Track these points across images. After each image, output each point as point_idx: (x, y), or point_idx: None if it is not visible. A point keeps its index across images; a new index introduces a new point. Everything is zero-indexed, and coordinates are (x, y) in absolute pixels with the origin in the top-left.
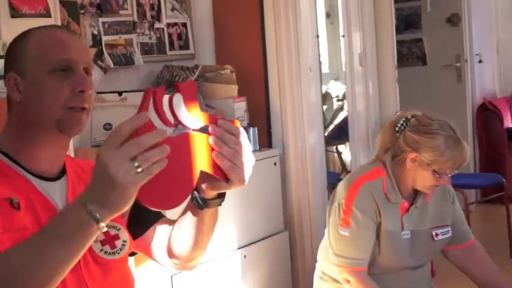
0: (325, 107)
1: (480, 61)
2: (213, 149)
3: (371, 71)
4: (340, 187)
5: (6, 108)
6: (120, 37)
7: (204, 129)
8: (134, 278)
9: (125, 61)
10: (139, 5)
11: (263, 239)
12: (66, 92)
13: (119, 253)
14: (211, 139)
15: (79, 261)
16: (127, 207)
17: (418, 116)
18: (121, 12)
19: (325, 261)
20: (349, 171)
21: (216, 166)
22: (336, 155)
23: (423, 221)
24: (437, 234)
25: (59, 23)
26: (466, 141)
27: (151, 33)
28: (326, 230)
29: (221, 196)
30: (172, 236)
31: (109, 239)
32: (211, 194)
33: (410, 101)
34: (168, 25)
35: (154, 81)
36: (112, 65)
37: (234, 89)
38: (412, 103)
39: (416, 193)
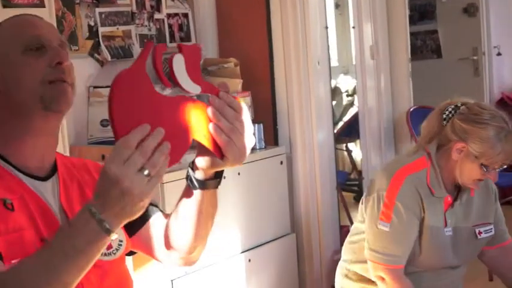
0: (334, 102)
1: (498, 54)
2: (210, 121)
3: (383, 64)
4: (380, 178)
5: None
6: (117, 28)
7: (203, 98)
8: (132, 279)
9: (123, 54)
10: None
11: (269, 242)
12: (42, 68)
13: (115, 253)
14: (209, 110)
15: None
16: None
17: (468, 104)
18: (119, 2)
19: (352, 258)
20: (360, 171)
21: (212, 140)
22: (345, 153)
23: (467, 218)
24: (480, 232)
25: (53, 14)
26: None
27: (151, 24)
28: (355, 225)
29: (217, 177)
30: (169, 226)
31: None
32: (207, 173)
33: (424, 96)
34: (169, 16)
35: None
36: (109, 58)
37: (238, 83)
38: (426, 98)
39: (459, 187)
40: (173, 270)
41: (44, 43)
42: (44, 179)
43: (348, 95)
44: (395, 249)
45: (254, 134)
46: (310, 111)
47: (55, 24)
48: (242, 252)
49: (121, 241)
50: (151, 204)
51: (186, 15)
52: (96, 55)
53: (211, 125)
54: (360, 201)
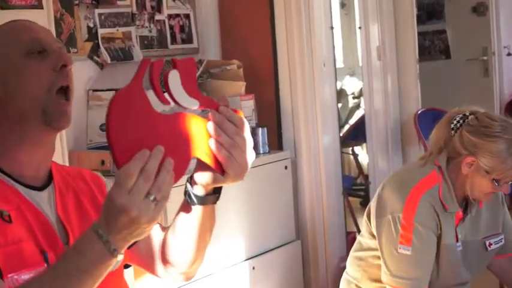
0: (340, 105)
1: (509, 54)
2: (210, 137)
3: (390, 65)
4: (392, 198)
5: None
6: (117, 30)
7: (202, 113)
8: None
9: (122, 56)
10: None
11: (273, 249)
12: (47, 72)
13: (114, 266)
14: (209, 125)
15: None
16: None
17: (477, 114)
18: (118, 3)
19: (363, 275)
20: (366, 175)
21: (212, 155)
22: (351, 157)
23: (476, 230)
24: (490, 244)
25: (52, 15)
26: None
27: (152, 25)
28: (360, 239)
29: (216, 192)
30: (166, 242)
31: None
32: (206, 189)
33: (432, 98)
34: (170, 16)
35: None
36: (109, 60)
37: (241, 85)
38: (434, 100)
39: (466, 200)
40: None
41: (45, 46)
42: (40, 188)
43: (354, 97)
44: (418, 273)
45: (258, 137)
46: (315, 114)
47: (53, 26)
48: (246, 259)
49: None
50: None
51: (187, 16)
52: (95, 57)
53: (211, 141)
54: (365, 215)
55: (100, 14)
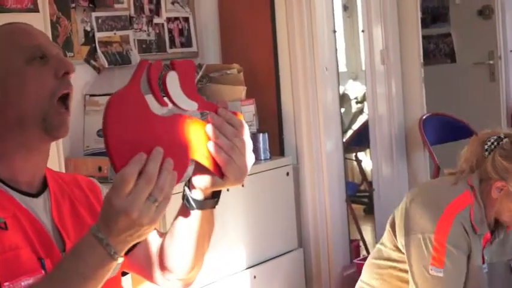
0: (342, 110)
1: None
2: (209, 139)
3: (394, 69)
4: (423, 217)
5: None
6: (115, 33)
7: (200, 115)
8: None
9: (120, 60)
10: None
11: (275, 257)
12: (49, 79)
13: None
14: (208, 127)
15: None
16: None
17: None
18: (116, 6)
19: (382, 286)
20: (370, 182)
21: (211, 158)
22: (355, 163)
23: (502, 252)
24: None
25: (48, 18)
26: None
27: (150, 29)
28: (381, 248)
29: (215, 196)
30: (164, 247)
31: None
32: (205, 193)
33: (437, 102)
34: (169, 20)
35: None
36: (106, 65)
37: (241, 90)
38: (439, 105)
39: (495, 221)
40: None
41: (45, 52)
42: (35, 195)
43: (357, 102)
44: None
45: (259, 143)
46: (317, 120)
47: (49, 30)
48: (247, 268)
49: None
50: None
51: (186, 20)
52: (92, 62)
53: (210, 143)
54: (388, 225)
55: (97, 18)
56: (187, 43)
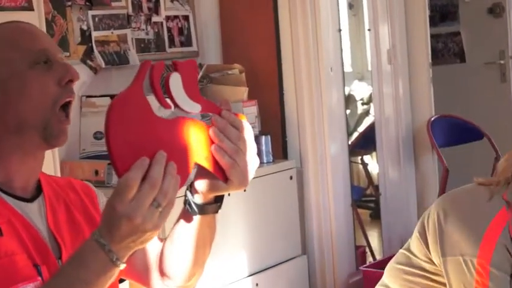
0: (348, 111)
1: None
2: (212, 142)
3: (401, 69)
4: (463, 238)
5: None
6: (112, 32)
7: (203, 118)
8: None
9: (118, 60)
10: None
11: (278, 264)
12: (52, 86)
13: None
14: (211, 130)
15: None
16: None
17: None
18: (113, 4)
19: None
20: (377, 186)
21: (214, 162)
22: (361, 166)
23: None
24: None
25: (43, 17)
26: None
27: (149, 27)
28: (409, 256)
29: (218, 201)
30: (164, 252)
31: None
32: (208, 197)
33: (446, 104)
34: (168, 18)
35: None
36: (103, 65)
37: (243, 91)
38: (448, 106)
39: None
40: None
41: (49, 57)
42: (29, 200)
43: (363, 104)
44: None
45: (261, 146)
46: (322, 122)
47: (44, 29)
48: (249, 275)
49: None
50: None
51: (186, 18)
52: (89, 62)
53: (213, 147)
54: (417, 233)
55: (94, 16)
56: (187, 42)
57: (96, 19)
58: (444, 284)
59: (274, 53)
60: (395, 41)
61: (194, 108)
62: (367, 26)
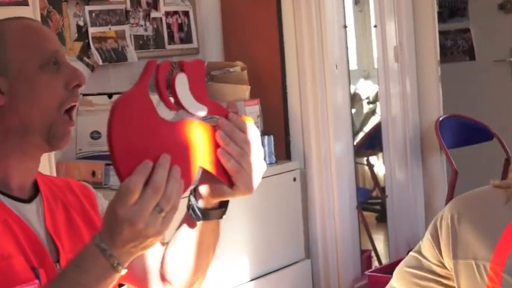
0: (353, 110)
1: None
2: (218, 146)
3: (409, 67)
4: (477, 242)
5: None
6: (110, 29)
7: (210, 120)
8: None
9: (115, 57)
10: None
11: (280, 268)
12: (60, 90)
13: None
14: (217, 134)
15: None
16: None
17: None
18: None
19: None
20: (383, 188)
21: (219, 166)
22: (366, 168)
23: None
24: None
25: (38, 12)
26: None
27: (147, 23)
28: (420, 259)
29: (223, 206)
30: (165, 257)
31: None
32: (212, 202)
33: (455, 103)
34: (167, 14)
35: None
36: (100, 62)
37: (245, 89)
38: (457, 106)
39: None
40: None
41: (58, 59)
42: (27, 200)
43: (369, 103)
44: None
45: (264, 146)
46: (326, 121)
47: None
48: (250, 280)
49: None
50: None
51: (186, 14)
52: (85, 59)
53: (219, 150)
54: (429, 235)
55: (91, 12)
56: (187, 39)
57: (93, 15)
58: None
59: (277, 50)
60: (402, 37)
61: (200, 110)
62: (373, 22)
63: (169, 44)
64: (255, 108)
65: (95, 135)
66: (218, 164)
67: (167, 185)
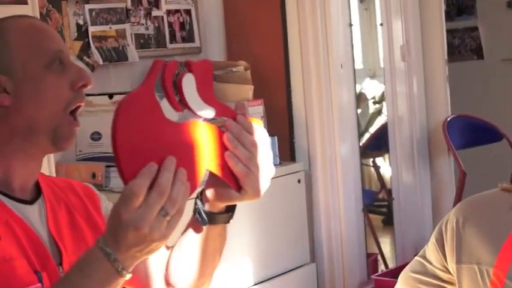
0: (359, 111)
1: None
2: (225, 148)
3: (415, 66)
4: (481, 247)
5: None
6: (110, 27)
7: (217, 122)
8: None
9: (116, 56)
10: None
11: (285, 272)
12: (65, 90)
13: None
14: (225, 136)
15: None
16: None
17: None
18: None
19: None
20: (389, 190)
21: (226, 169)
22: (373, 169)
23: None
24: None
25: (37, 11)
26: None
27: (148, 22)
28: (424, 263)
29: (230, 211)
30: (170, 261)
31: None
32: (219, 206)
33: (463, 102)
34: (169, 12)
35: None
36: (101, 62)
37: (248, 89)
38: (465, 105)
39: None
40: None
41: (63, 59)
42: (29, 202)
43: (375, 103)
44: None
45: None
46: (331, 122)
47: None
48: (254, 284)
49: None
50: None
51: (188, 12)
52: (85, 58)
53: (227, 153)
54: (434, 240)
55: (91, 10)
56: (189, 38)
57: (93, 13)
58: None
59: (281, 49)
60: (409, 36)
61: (208, 111)
62: (379, 21)
63: (171, 43)
64: (258, 108)
65: (95, 136)
66: (225, 167)
67: (172, 188)
